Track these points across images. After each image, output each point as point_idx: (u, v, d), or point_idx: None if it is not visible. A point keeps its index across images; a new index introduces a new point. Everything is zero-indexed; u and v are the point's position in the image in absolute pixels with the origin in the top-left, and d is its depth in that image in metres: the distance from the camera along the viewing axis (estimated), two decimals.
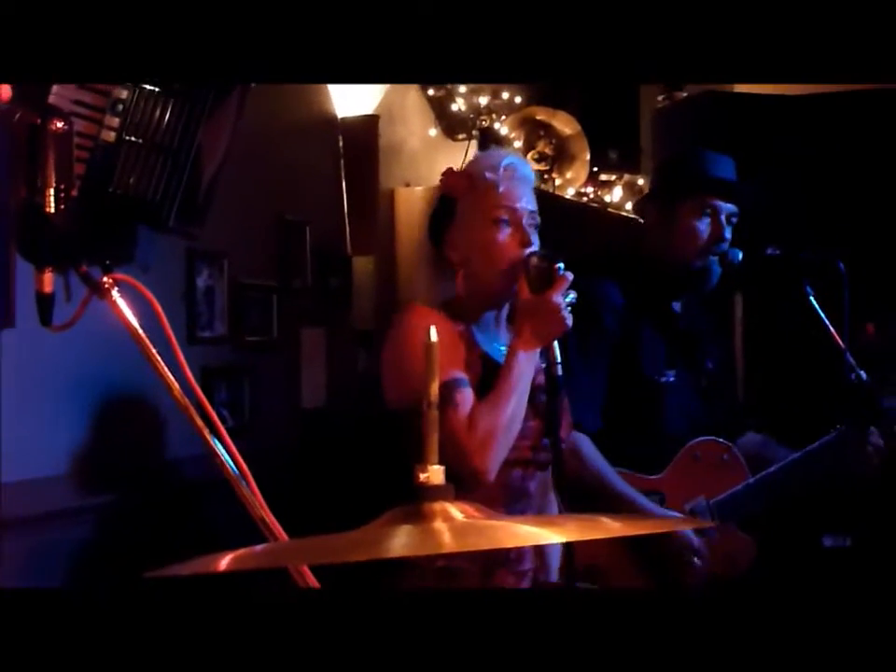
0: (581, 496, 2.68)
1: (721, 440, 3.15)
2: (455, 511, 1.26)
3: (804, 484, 3.08)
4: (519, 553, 2.51)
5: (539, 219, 2.55)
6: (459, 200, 2.55)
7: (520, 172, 2.56)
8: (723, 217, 3.10)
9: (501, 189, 2.51)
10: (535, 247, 2.50)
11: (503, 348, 2.53)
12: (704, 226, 3.10)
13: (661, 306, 3.20)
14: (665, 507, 3.02)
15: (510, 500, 2.51)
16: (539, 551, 2.58)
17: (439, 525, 1.24)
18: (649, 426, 3.10)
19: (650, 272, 3.19)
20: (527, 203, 2.53)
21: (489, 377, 2.45)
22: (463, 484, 2.29)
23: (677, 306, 3.23)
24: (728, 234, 3.10)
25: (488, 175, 2.53)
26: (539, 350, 2.43)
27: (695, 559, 2.95)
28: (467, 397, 2.40)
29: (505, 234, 2.50)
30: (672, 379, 3.14)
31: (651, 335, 3.14)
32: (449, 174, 2.59)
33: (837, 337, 2.94)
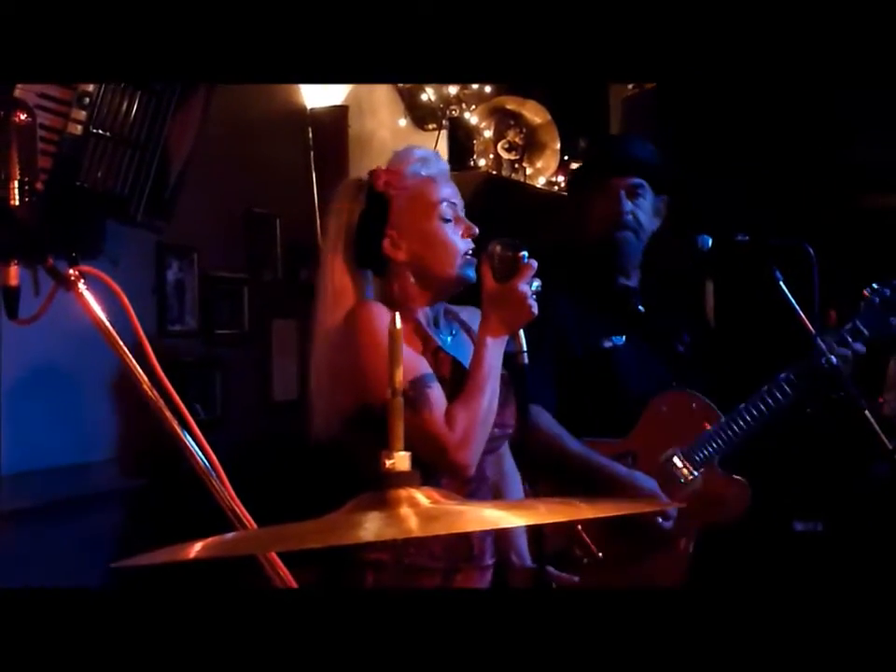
0: (545, 465, 2.72)
1: (685, 389, 3.15)
2: (422, 496, 1.27)
3: (774, 414, 3.08)
4: (481, 548, 2.49)
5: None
6: (394, 198, 2.51)
7: (444, 165, 2.60)
8: (622, 193, 3.17)
9: (440, 184, 2.51)
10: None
11: (450, 339, 2.54)
12: (601, 202, 3.19)
13: (602, 281, 3.23)
14: (638, 466, 3.03)
15: (467, 487, 2.44)
16: (500, 542, 2.59)
17: (405, 510, 1.25)
18: (604, 391, 3.10)
19: (576, 250, 3.28)
20: (456, 195, 2.53)
21: (444, 369, 2.44)
22: (433, 475, 2.30)
23: (632, 282, 3.26)
24: (629, 206, 3.16)
25: (424, 171, 2.51)
26: (506, 338, 2.40)
27: (661, 520, 2.97)
28: (438, 393, 2.36)
29: (451, 228, 2.49)
30: (620, 344, 3.15)
31: (589, 306, 3.17)
32: (381, 173, 2.54)
33: (807, 322, 2.95)
